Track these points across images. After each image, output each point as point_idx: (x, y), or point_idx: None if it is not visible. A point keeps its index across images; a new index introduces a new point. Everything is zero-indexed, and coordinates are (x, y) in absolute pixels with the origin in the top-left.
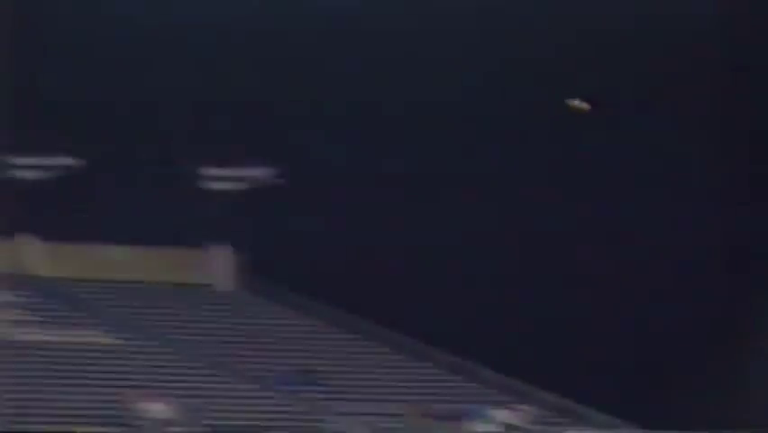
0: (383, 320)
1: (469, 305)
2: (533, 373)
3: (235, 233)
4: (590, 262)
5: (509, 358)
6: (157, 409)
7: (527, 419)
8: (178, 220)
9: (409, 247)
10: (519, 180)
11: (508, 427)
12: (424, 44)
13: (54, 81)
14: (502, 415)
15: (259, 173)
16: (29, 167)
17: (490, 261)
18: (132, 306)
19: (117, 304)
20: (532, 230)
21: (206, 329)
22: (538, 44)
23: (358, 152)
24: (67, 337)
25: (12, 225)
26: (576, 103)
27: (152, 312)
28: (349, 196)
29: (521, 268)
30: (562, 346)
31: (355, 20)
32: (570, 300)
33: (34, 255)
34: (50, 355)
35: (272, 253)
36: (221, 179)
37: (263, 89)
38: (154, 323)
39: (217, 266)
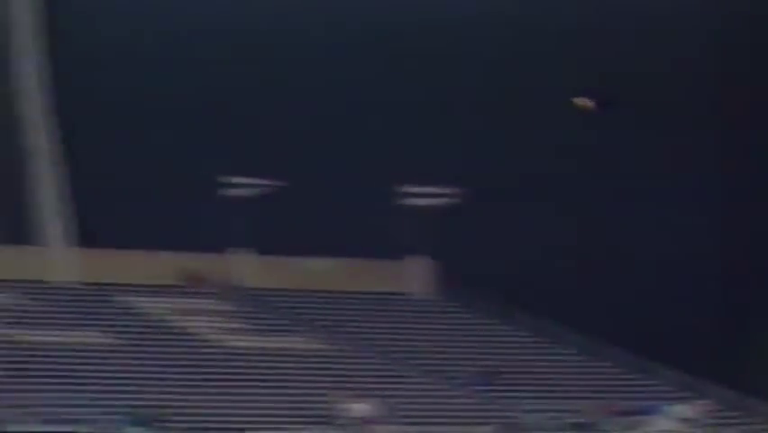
0: (567, 323)
1: (645, 306)
2: (707, 370)
3: (432, 245)
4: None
5: (685, 356)
6: (359, 408)
7: (703, 413)
8: (380, 234)
9: (582, 250)
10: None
11: (685, 421)
12: None
13: (278, 106)
14: (679, 410)
15: (452, 190)
16: (246, 186)
17: (664, 259)
18: (338, 313)
19: (325, 312)
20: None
21: (405, 334)
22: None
23: (535, 163)
24: (275, 343)
25: (227, 239)
26: (581, 101)
27: (355, 319)
28: (523, 208)
29: (697, 266)
30: (734, 343)
31: None
32: (741, 298)
33: (248, 268)
34: (258, 360)
35: (466, 263)
36: (418, 195)
37: (455, 112)
38: (357, 329)
39: (415, 276)
